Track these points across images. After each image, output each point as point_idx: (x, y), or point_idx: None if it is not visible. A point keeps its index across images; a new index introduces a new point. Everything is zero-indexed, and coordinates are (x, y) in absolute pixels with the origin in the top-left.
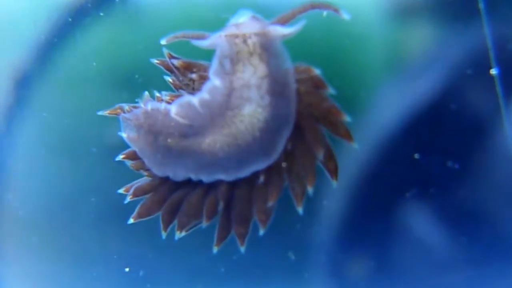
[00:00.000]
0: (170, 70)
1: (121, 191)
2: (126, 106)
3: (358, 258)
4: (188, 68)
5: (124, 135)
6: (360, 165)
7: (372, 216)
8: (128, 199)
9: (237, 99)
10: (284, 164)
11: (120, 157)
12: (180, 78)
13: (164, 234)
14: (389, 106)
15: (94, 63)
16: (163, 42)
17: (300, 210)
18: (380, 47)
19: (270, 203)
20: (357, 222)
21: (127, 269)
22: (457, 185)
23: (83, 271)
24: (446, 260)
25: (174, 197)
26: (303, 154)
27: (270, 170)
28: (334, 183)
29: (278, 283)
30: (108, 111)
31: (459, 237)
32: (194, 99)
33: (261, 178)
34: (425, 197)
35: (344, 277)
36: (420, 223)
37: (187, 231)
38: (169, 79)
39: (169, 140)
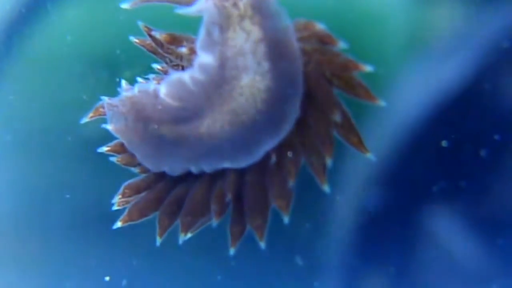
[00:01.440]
0: (153, 51)
1: (115, 205)
2: (107, 99)
3: (375, 265)
4: (173, 42)
5: (109, 126)
6: (380, 156)
7: (392, 215)
8: (117, 200)
9: (232, 70)
10: (297, 138)
11: (104, 150)
12: (167, 59)
13: (159, 240)
14: (413, 90)
15: (68, 37)
16: (124, 6)
17: (326, 188)
18: (403, 26)
19: (290, 183)
20: (374, 222)
21: (107, 278)
22: (492, 178)
23: (56, 282)
24: (476, 270)
25: (173, 194)
26: (316, 122)
27: (282, 147)
28: (369, 156)
29: None
30: (90, 115)
31: (494, 241)
32: (185, 76)
33: (273, 158)
34: (455, 192)
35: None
36: (448, 224)
37: (192, 232)
38: (157, 66)
39: (161, 128)
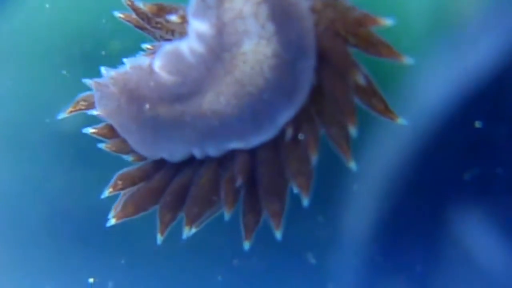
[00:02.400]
0: (141, 26)
1: (106, 193)
2: (95, 80)
3: (398, 267)
4: (161, 12)
5: (97, 111)
6: (405, 143)
7: (417, 209)
8: (108, 193)
9: (232, 36)
10: (313, 108)
11: (90, 131)
12: (157, 34)
13: (160, 238)
14: (438, 75)
15: (47, 5)
16: None
17: (352, 164)
18: (429, 9)
19: (311, 157)
20: (397, 217)
21: (91, 280)
22: None
23: (36, 284)
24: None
25: (175, 184)
26: (334, 88)
27: (298, 120)
28: (399, 121)
29: None
30: (69, 110)
31: None
32: (182, 46)
33: (289, 132)
34: (489, 181)
35: None
36: (480, 224)
37: (198, 226)
38: (147, 46)
39: (158, 107)
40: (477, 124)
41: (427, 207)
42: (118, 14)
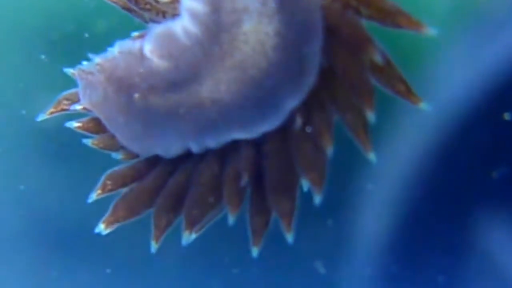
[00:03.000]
0: (128, 8)
1: (94, 196)
2: (80, 67)
3: (416, 277)
4: None
5: (82, 103)
6: (426, 137)
7: (439, 212)
8: (96, 196)
9: (230, 15)
10: (325, 92)
11: (74, 125)
12: (146, 17)
13: (154, 246)
14: (465, 62)
15: None
16: None
17: (371, 155)
18: None
19: (326, 148)
20: (416, 221)
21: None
22: None
23: None
24: None
25: (171, 184)
26: (346, 68)
27: (307, 106)
28: (422, 106)
29: None
30: (50, 111)
31: None
32: (175, 27)
33: (298, 120)
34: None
35: None
36: (509, 229)
37: (199, 230)
38: (136, 34)
39: (150, 97)
40: (506, 116)
41: (449, 210)
42: None
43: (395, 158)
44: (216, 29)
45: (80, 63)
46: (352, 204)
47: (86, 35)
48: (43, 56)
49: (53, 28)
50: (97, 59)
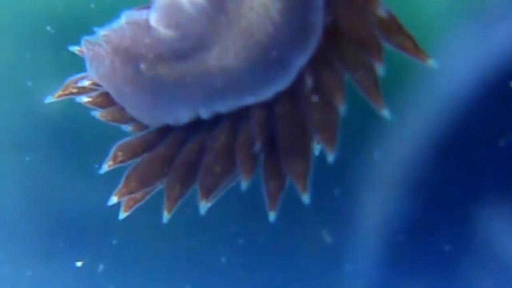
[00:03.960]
0: None
1: (106, 167)
2: (86, 39)
3: (424, 246)
4: None
5: (89, 74)
6: (430, 132)
7: (450, 179)
8: (107, 167)
9: None
10: (333, 50)
11: (84, 100)
12: None
13: (166, 217)
14: (465, 59)
15: None
16: None
17: (386, 113)
18: None
19: (338, 106)
20: (426, 189)
21: (79, 264)
22: None
23: (15, 270)
24: None
25: (185, 152)
26: (351, 22)
27: (316, 65)
28: (431, 64)
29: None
30: (58, 94)
31: None
32: None
33: (308, 79)
34: None
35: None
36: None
37: (215, 198)
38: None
39: (158, 67)
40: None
41: (460, 179)
42: None
43: (404, 126)
44: None
45: (86, 34)
46: (360, 172)
47: (92, 5)
48: (48, 28)
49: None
50: (104, 30)
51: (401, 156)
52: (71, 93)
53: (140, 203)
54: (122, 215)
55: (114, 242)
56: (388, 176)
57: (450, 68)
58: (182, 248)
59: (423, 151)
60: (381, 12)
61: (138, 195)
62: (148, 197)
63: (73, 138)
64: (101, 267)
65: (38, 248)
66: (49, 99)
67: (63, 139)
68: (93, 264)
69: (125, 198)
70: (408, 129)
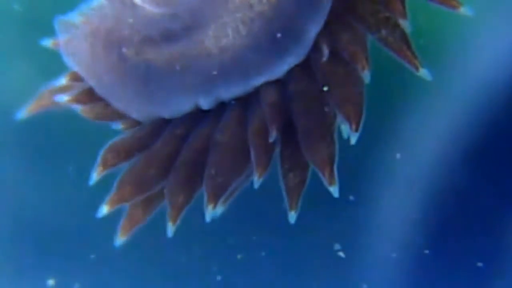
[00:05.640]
0: None
1: (95, 175)
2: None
3: (453, 262)
4: None
5: (66, 59)
6: (456, 132)
7: (480, 187)
8: (97, 175)
9: None
10: (350, 12)
11: (65, 99)
12: None
13: (171, 228)
14: (486, 52)
15: None
16: None
17: (423, 72)
18: None
19: (363, 73)
20: (454, 197)
21: (51, 282)
22: None
23: None
24: None
25: (186, 151)
26: None
27: (332, 31)
28: (464, 11)
29: None
30: (31, 107)
31: None
32: None
33: (325, 49)
34: None
35: None
36: None
37: (225, 202)
38: None
39: (146, 51)
40: None
41: (492, 185)
42: None
43: (428, 123)
44: None
45: (60, 14)
46: (378, 177)
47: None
48: (15, 6)
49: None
50: (81, 9)
51: (424, 160)
52: (46, 105)
53: (141, 225)
54: (119, 240)
55: (92, 256)
56: (409, 181)
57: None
58: (170, 265)
59: (448, 153)
60: None
61: (138, 213)
62: (151, 215)
63: (46, 135)
64: (76, 286)
65: (4, 264)
66: (22, 114)
67: (33, 137)
68: (67, 283)
69: (123, 222)
70: (431, 128)
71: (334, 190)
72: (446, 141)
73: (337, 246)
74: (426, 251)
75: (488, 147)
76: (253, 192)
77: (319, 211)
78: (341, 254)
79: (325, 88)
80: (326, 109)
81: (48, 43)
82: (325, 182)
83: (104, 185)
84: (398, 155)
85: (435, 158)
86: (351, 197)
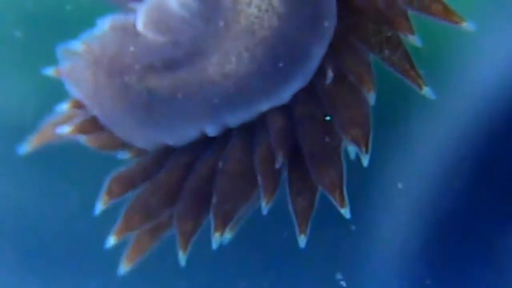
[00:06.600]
0: None
1: (101, 204)
2: (65, 46)
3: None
4: None
5: (68, 89)
6: (464, 130)
7: (480, 216)
8: (103, 204)
9: None
10: (353, 34)
11: (67, 131)
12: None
13: (183, 257)
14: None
15: None
16: None
17: (427, 91)
18: None
19: (368, 95)
20: (454, 227)
21: None
22: None
23: None
24: None
25: (193, 178)
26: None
27: (336, 53)
28: (466, 26)
29: None
30: (34, 141)
31: None
32: (170, 0)
33: (329, 72)
34: None
35: None
36: None
37: (233, 229)
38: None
39: (149, 79)
40: None
41: (492, 213)
42: None
43: (428, 152)
44: None
45: (62, 42)
46: (380, 206)
47: (69, 7)
48: (18, 33)
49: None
50: (83, 37)
51: (425, 188)
52: (49, 137)
53: (147, 253)
54: (123, 269)
55: (93, 285)
56: (411, 211)
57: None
58: None
59: (450, 183)
60: None
61: (144, 242)
62: (157, 243)
63: (50, 163)
64: None
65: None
66: (26, 148)
67: (37, 165)
68: None
69: (129, 251)
70: (431, 158)
71: (346, 212)
72: (448, 171)
73: (339, 276)
74: (428, 281)
75: (491, 174)
76: (255, 220)
77: (322, 240)
78: (343, 283)
79: (328, 118)
80: (332, 131)
81: (50, 71)
82: (336, 204)
83: (108, 214)
84: (399, 185)
85: (436, 188)
86: (353, 227)
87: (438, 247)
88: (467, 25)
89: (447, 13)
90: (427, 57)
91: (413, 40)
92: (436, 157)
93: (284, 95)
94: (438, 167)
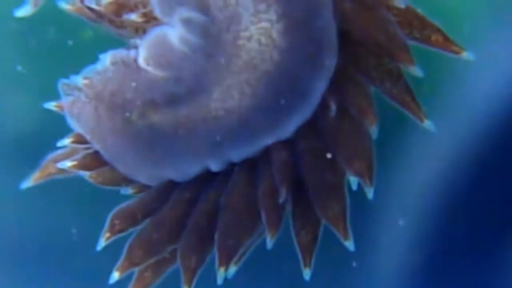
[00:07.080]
0: (97, 21)
1: (103, 241)
2: (65, 81)
3: None
4: (120, 10)
5: (70, 123)
6: (462, 155)
7: (476, 250)
8: (105, 240)
9: (224, 11)
10: (354, 66)
11: (68, 165)
12: (125, 33)
13: None
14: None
15: None
16: None
17: (428, 124)
18: None
19: (371, 126)
20: (452, 261)
21: None
22: None
23: None
24: None
25: (196, 214)
26: (366, 25)
27: (338, 86)
28: (466, 56)
29: None
30: (36, 177)
31: None
32: (171, 36)
33: (332, 105)
34: None
35: None
36: None
37: (237, 263)
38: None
39: (150, 114)
40: None
41: (494, 245)
42: (65, 7)
43: (429, 188)
44: (215, 31)
45: (63, 77)
46: (380, 243)
47: (70, 42)
48: (19, 68)
49: (31, 33)
50: (85, 72)
51: (426, 225)
52: (51, 173)
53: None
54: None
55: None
56: (411, 248)
57: (488, 69)
58: None
59: (451, 220)
60: (397, 3)
61: (147, 277)
62: (160, 279)
63: (50, 197)
64: None
65: None
66: (27, 184)
67: (38, 199)
68: None
69: (132, 286)
70: (434, 193)
71: (350, 245)
72: (449, 207)
73: None
74: None
75: (493, 208)
76: (259, 253)
77: (322, 277)
78: None
79: (329, 155)
80: (335, 165)
81: (52, 105)
82: (340, 237)
83: (111, 250)
84: (400, 222)
85: (437, 226)
86: (354, 263)
87: (439, 286)
88: (467, 55)
89: (447, 44)
90: (427, 87)
91: (414, 71)
92: (438, 190)
93: (287, 129)
94: (440, 201)
